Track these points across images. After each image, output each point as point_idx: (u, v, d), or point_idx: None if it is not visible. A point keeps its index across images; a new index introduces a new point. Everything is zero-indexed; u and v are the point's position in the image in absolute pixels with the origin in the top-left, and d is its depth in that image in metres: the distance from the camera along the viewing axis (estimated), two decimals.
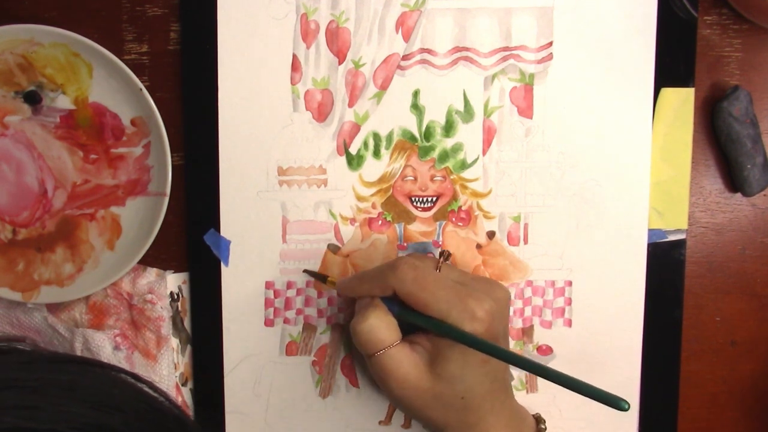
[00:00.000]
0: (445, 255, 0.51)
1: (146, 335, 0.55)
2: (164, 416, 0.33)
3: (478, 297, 0.48)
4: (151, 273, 0.55)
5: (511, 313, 0.55)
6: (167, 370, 0.55)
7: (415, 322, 0.49)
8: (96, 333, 0.54)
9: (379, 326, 0.49)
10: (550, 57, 0.54)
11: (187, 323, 0.56)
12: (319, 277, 0.55)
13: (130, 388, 0.33)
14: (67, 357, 0.34)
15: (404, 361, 0.49)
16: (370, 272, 0.51)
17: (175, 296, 0.56)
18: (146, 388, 0.34)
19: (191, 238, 0.55)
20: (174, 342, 0.56)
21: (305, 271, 0.55)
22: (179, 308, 0.56)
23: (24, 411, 0.29)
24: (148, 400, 0.33)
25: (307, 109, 0.55)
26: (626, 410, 0.43)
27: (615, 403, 0.43)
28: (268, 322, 0.56)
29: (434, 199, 0.55)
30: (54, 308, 0.55)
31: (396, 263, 0.49)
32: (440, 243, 0.55)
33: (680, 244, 0.55)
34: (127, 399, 0.33)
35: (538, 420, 0.53)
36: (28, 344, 0.33)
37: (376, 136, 0.55)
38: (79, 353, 0.54)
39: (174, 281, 0.56)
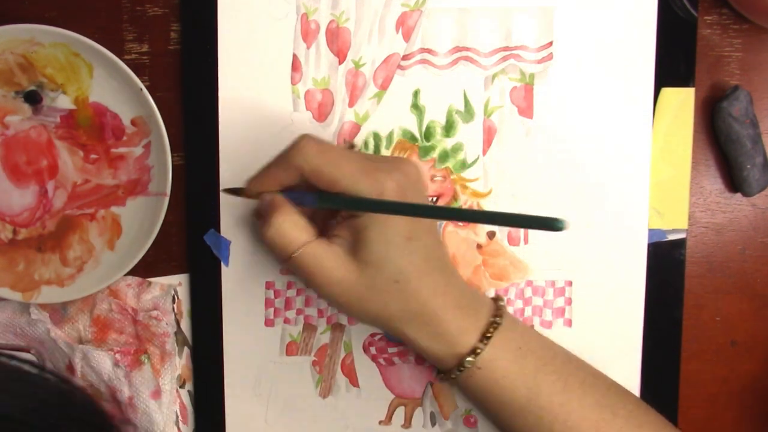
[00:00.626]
0: (351, 144, 0.50)
1: (150, 350, 0.55)
2: (46, 390, 0.32)
3: (387, 170, 0.45)
4: (156, 288, 0.55)
5: (511, 311, 0.55)
6: (170, 385, 0.55)
7: (336, 206, 0.46)
8: (95, 350, 0.54)
9: (287, 226, 0.46)
10: (550, 57, 0.54)
11: (184, 325, 0.56)
12: (235, 192, 0.51)
13: (6, 369, 0.32)
14: None
15: (323, 256, 0.46)
16: (272, 161, 0.48)
17: (172, 298, 0.56)
18: (27, 368, 0.33)
19: (191, 238, 0.55)
20: (176, 358, 0.56)
21: (224, 190, 0.52)
22: (176, 310, 0.56)
23: None
24: (27, 378, 0.32)
25: (307, 109, 0.55)
26: (561, 230, 0.38)
27: (549, 224, 0.39)
28: (268, 322, 0.56)
29: (434, 199, 0.55)
30: (57, 320, 0.55)
31: (296, 140, 0.46)
32: None
33: (680, 244, 0.55)
34: (4, 380, 0.32)
35: (496, 298, 0.50)
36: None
37: (377, 136, 0.55)
38: (78, 369, 0.54)
39: (171, 282, 0.56)
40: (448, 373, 0.49)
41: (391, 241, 0.46)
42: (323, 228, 0.49)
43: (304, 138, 0.46)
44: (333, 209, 0.47)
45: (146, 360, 0.55)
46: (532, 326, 0.56)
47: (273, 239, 0.46)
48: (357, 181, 0.45)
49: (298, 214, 0.47)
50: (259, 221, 0.48)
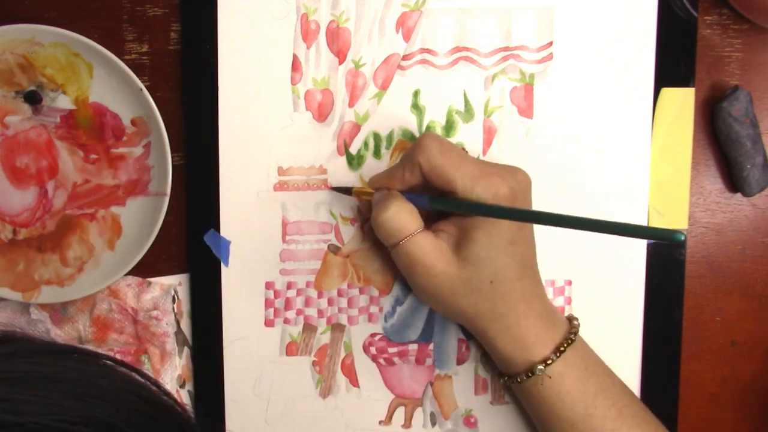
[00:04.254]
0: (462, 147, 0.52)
1: (150, 350, 0.55)
2: (153, 407, 0.32)
3: (502, 176, 0.48)
4: (156, 288, 0.55)
5: None
6: (170, 385, 0.55)
7: (446, 208, 0.49)
8: (95, 351, 0.54)
9: (401, 214, 0.48)
10: (550, 57, 0.54)
11: (184, 325, 0.56)
12: (343, 191, 0.54)
13: (119, 379, 0.33)
14: (52, 347, 0.33)
15: (429, 247, 0.48)
16: (397, 162, 0.51)
17: (172, 298, 0.56)
18: (137, 377, 0.33)
19: (191, 238, 0.55)
20: (176, 358, 0.56)
21: (332, 188, 0.55)
22: (176, 310, 0.56)
23: (7, 404, 0.28)
24: (137, 391, 0.32)
25: (307, 109, 0.55)
26: (682, 240, 0.41)
27: (669, 236, 0.41)
28: (268, 323, 0.56)
29: None
30: (57, 320, 0.55)
31: (421, 138, 0.48)
32: None
33: (680, 244, 0.55)
34: (114, 389, 0.32)
35: (571, 318, 0.52)
36: (17, 335, 0.32)
37: (377, 136, 0.55)
38: None
39: (171, 283, 0.56)
40: (514, 377, 0.51)
41: (495, 243, 0.48)
42: (428, 223, 0.50)
43: (427, 136, 0.48)
44: (442, 209, 0.49)
45: (146, 360, 0.55)
46: None
47: (387, 222, 0.48)
48: (474, 183, 0.47)
49: (412, 206, 0.49)
50: (373, 209, 0.50)
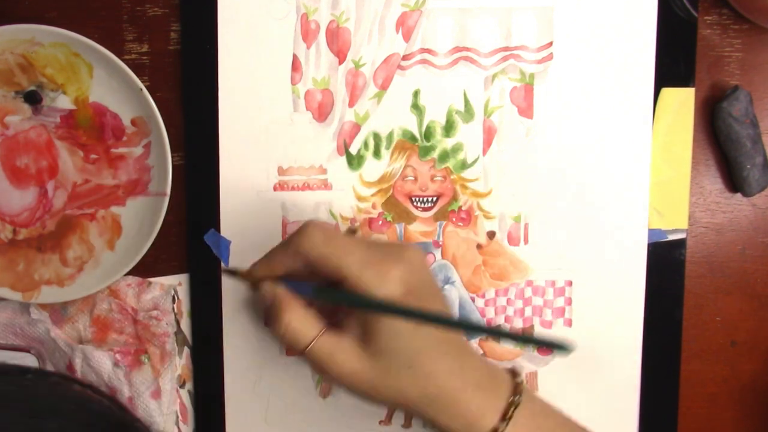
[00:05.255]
0: (353, 228, 0.51)
1: (150, 350, 0.55)
2: (102, 419, 0.33)
3: (391, 260, 0.45)
4: (156, 288, 0.55)
5: (512, 313, 0.55)
6: (170, 385, 0.55)
7: (332, 300, 0.47)
8: (96, 350, 0.54)
9: (295, 323, 0.46)
10: (550, 57, 0.54)
11: (184, 325, 0.56)
12: (231, 273, 0.51)
13: (71, 395, 0.33)
14: (5, 368, 0.33)
15: (334, 349, 0.46)
16: (277, 246, 0.48)
17: (172, 298, 0.56)
18: (89, 392, 0.34)
19: (191, 238, 0.55)
20: (176, 358, 0.56)
21: (224, 270, 0.54)
22: (176, 310, 0.56)
23: None
24: (89, 406, 0.33)
25: (307, 109, 0.55)
26: (569, 351, 0.41)
27: (558, 345, 0.42)
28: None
29: (434, 199, 0.55)
30: (57, 320, 0.55)
31: (303, 227, 0.46)
32: (440, 243, 0.55)
33: (680, 244, 0.55)
34: (65, 404, 0.32)
35: (514, 374, 0.49)
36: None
37: (377, 136, 0.55)
38: (78, 369, 0.54)
39: (171, 283, 0.56)
40: None
41: (399, 330, 0.45)
42: (332, 314, 0.48)
43: (310, 225, 0.46)
44: (329, 302, 0.48)
45: (146, 360, 0.55)
46: (533, 326, 0.56)
47: (284, 337, 0.46)
48: (361, 271, 0.45)
49: (305, 309, 0.47)
50: (267, 317, 0.48)
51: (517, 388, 0.47)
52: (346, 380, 0.46)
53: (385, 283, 0.45)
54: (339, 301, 0.47)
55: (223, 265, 0.54)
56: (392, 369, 0.45)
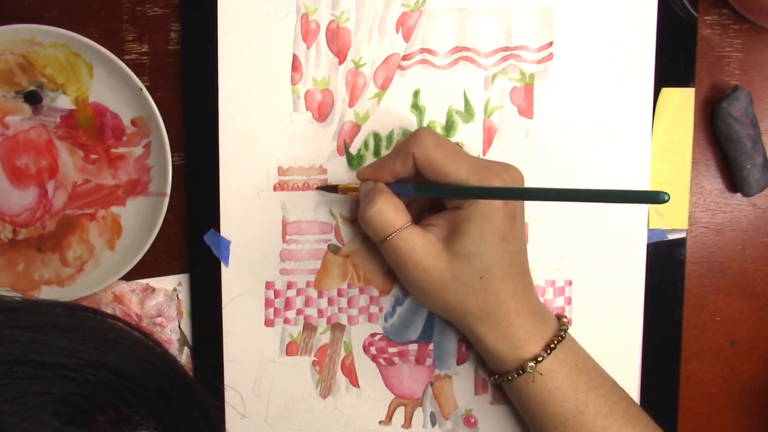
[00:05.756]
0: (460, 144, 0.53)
1: None
2: (155, 357, 0.35)
3: (496, 171, 0.47)
4: (160, 294, 0.55)
5: None
6: None
7: (431, 195, 0.49)
8: None
9: (387, 209, 0.48)
10: (550, 57, 0.54)
11: (184, 325, 0.56)
12: (330, 189, 0.54)
13: (124, 333, 0.35)
14: (64, 303, 0.35)
15: (418, 241, 0.48)
16: (388, 154, 0.50)
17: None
18: (137, 333, 0.36)
19: (191, 238, 0.55)
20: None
21: (318, 187, 0.54)
22: (176, 310, 0.56)
23: (32, 345, 0.31)
24: (141, 344, 0.35)
25: (307, 109, 0.55)
26: (666, 201, 0.41)
27: (653, 197, 0.41)
28: (268, 322, 0.56)
29: None
30: None
31: (416, 132, 0.48)
32: None
33: (680, 244, 0.55)
34: (123, 342, 0.34)
35: (560, 317, 0.52)
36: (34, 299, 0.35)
37: (377, 136, 0.55)
38: None
39: (171, 283, 0.56)
40: (504, 375, 0.51)
41: (486, 237, 0.47)
42: (418, 218, 0.50)
43: (423, 130, 0.48)
44: (428, 197, 0.50)
45: None
46: None
47: (373, 219, 0.48)
48: (468, 176, 0.47)
49: (398, 199, 0.49)
50: (360, 204, 0.50)
51: (562, 326, 0.51)
52: (418, 274, 0.48)
53: None
54: (438, 194, 0.49)
55: (318, 186, 0.55)
56: (465, 274, 0.48)
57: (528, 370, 0.49)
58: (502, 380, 0.51)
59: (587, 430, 0.49)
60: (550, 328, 0.50)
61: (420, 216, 0.51)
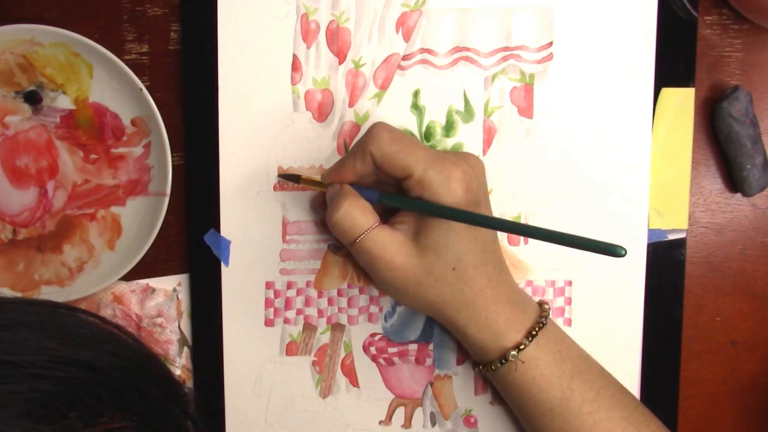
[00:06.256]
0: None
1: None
2: (128, 350, 0.35)
3: (455, 160, 0.47)
4: (160, 294, 0.55)
5: None
6: None
7: (396, 205, 0.49)
8: None
9: (354, 211, 0.48)
10: (550, 57, 0.54)
11: (184, 325, 0.56)
12: (291, 178, 0.53)
13: (96, 328, 0.35)
14: (32, 300, 0.35)
15: (387, 241, 0.48)
16: (346, 154, 0.50)
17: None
18: (111, 327, 0.36)
19: (191, 238, 0.55)
20: (178, 361, 0.56)
21: (280, 175, 0.54)
22: (176, 310, 0.56)
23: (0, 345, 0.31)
24: (114, 338, 0.35)
25: (307, 109, 0.55)
26: (623, 256, 0.42)
27: (611, 250, 0.42)
28: (268, 322, 0.56)
29: None
30: None
31: (371, 129, 0.48)
32: None
33: (680, 244, 0.55)
34: (95, 337, 0.34)
35: (541, 303, 0.52)
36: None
37: None
38: None
39: (171, 283, 0.56)
40: (488, 365, 0.51)
41: (453, 228, 0.47)
42: (384, 217, 0.50)
43: (377, 126, 0.48)
44: (391, 206, 0.49)
45: None
46: None
47: (340, 222, 0.48)
48: (426, 168, 0.46)
49: (364, 200, 0.48)
50: (327, 207, 0.50)
51: (543, 312, 0.51)
52: (392, 273, 0.48)
53: (449, 181, 0.46)
54: (402, 205, 0.48)
55: (280, 174, 0.54)
56: (437, 267, 0.48)
57: (510, 359, 0.49)
58: (486, 371, 0.51)
59: (574, 415, 0.49)
60: (531, 315, 0.50)
61: (387, 213, 0.51)
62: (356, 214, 0.48)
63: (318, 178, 0.52)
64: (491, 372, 0.51)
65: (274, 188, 0.55)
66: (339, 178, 0.50)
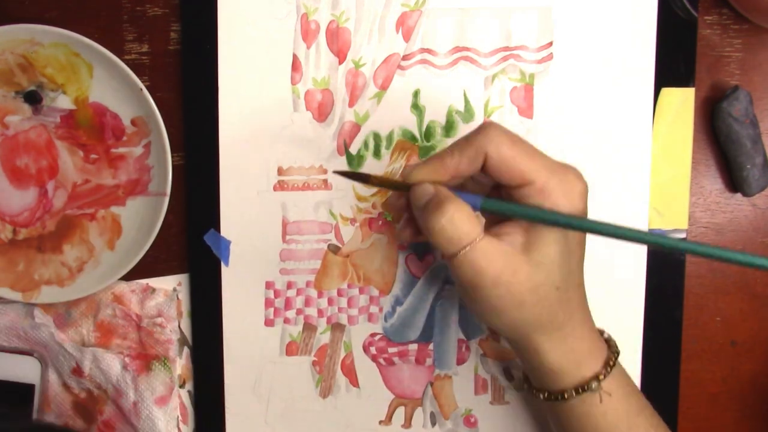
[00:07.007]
0: None
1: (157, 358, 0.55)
2: None
3: (576, 173, 0.43)
4: (160, 294, 0.55)
5: None
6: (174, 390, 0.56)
7: (505, 212, 0.43)
8: (106, 353, 0.54)
9: (461, 218, 0.42)
10: (550, 57, 0.54)
11: (184, 325, 0.56)
12: (358, 177, 0.47)
13: None
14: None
15: (496, 254, 0.42)
16: (447, 149, 0.44)
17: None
18: None
19: (191, 238, 0.55)
20: (178, 362, 0.56)
21: (336, 171, 0.49)
22: (176, 310, 0.56)
23: None
24: None
25: (307, 109, 0.55)
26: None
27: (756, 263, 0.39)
28: (268, 322, 0.56)
29: None
30: (61, 324, 0.55)
31: (484, 128, 0.43)
32: None
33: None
34: None
35: (601, 331, 0.49)
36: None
37: (377, 136, 0.55)
38: (87, 371, 0.54)
39: (171, 283, 0.56)
40: (558, 393, 0.46)
41: (569, 244, 0.43)
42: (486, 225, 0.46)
43: (492, 125, 0.43)
44: (495, 214, 0.44)
45: (153, 367, 0.55)
46: None
47: (444, 230, 0.42)
48: (549, 177, 0.42)
49: (470, 208, 0.43)
50: (423, 212, 0.44)
51: (612, 341, 0.48)
52: (496, 290, 0.42)
53: (570, 194, 0.43)
54: (508, 211, 0.43)
55: (335, 170, 0.49)
56: (544, 285, 0.43)
57: (592, 389, 0.45)
58: (552, 399, 0.46)
59: None
60: (605, 345, 0.47)
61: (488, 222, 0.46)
62: (462, 222, 0.42)
63: (391, 178, 0.47)
64: (556, 402, 0.46)
65: (274, 188, 0.55)
66: (432, 177, 0.44)
